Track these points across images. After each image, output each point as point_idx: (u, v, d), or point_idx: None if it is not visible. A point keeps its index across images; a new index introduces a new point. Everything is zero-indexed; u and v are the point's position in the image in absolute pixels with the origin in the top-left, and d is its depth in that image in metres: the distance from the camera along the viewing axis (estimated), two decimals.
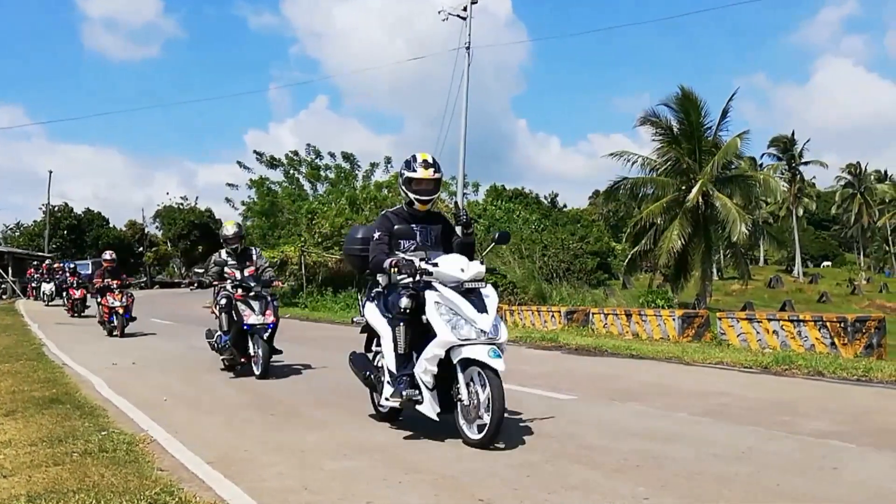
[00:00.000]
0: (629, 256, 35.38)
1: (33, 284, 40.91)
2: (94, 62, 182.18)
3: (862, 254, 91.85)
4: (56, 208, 71.98)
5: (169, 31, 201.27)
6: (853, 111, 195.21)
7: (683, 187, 32.50)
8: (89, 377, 10.52)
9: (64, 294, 28.61)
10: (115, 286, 17.79)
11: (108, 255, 19.38)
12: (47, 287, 34.82)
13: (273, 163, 43.03)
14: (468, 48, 28.52)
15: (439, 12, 28.68)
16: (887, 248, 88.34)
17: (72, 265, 29.81)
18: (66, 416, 7.32)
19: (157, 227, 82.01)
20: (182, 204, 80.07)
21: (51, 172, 79.01)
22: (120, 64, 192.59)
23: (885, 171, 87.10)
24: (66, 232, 71.99)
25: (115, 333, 17.39)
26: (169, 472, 5.20)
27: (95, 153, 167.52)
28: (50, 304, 33.47)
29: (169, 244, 79.58)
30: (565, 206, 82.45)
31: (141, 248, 78.24)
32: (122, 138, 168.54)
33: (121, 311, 17.46)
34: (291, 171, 42.95)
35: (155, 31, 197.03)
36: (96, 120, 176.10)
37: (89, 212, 76.87)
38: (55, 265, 39.80)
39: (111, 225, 78.38)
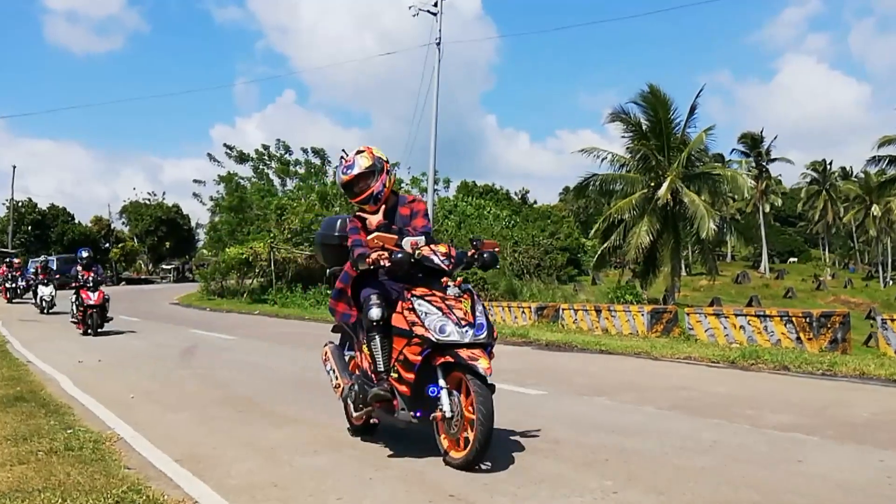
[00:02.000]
0: (599, 252, 35.53)
1: (8, 284, 33.75)
2: (57, 55, 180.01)
3: (827, 250, 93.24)
4: (20, 203, 70.89)
5: (132, 24, 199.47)
6: (816, 108, 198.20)
7: (653, 184, 32.70)
8: (54, 375, 10.39)
9: (74, 301, 18.15)
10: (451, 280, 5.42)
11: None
12: (46, 290, 25.72)
13: (242, 157, 42.73)
14: (439, 44, 28.48)
15: (409, 8, 28.60)
16: (852, 245, 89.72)
17: (84, 253, 18.75)
18: (30, 414, 7.21)
19: (123, 223, 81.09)
20: (149, 199, 79.26)
21: (14, 167, 77.72)
22: (83, 57, 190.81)
23: (850, 169, 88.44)
24: (30, 228, 70.86)
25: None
26: (136, 471, 5.14)
27: (59, 148, 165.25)
28: (50, 311, 25.27)
29: (136, 240, 78.70)
30: (535, 202, 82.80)
31: (107, 244, 77.29)
32: (86, 132, 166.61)
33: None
34: (261, 167, 42.70)
35: (118, 24, 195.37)
36: (59, 114, 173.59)
37: (54, 207, 75.70)
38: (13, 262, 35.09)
39: (76, 221, 77.26)
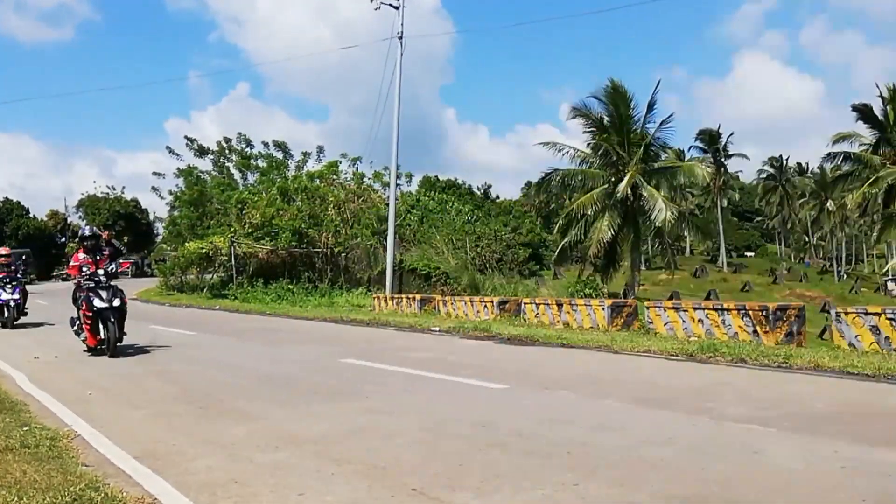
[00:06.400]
0: (560, 247, 35.71)
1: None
2: (4, 45, 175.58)
3: (783, 244, 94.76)
4: None
5: (83, 14, 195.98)
6: (772, 104, 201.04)
7: (613, 179, 32.96)
8: (10, 372, 10.23)
9: None
10: None
11: None
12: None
13: (202, 150, 42.25)
14: (401, 38, 28.37)
15: (371, 1, 28.43)
16: (807, 239, 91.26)
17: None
18: None
19: (80, 217, 79.78)
20: (108, 193, 78.07)
21: None
22: (32, 47, 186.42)
23: (806, 164, 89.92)
24: None
25: None
26: (94, 468, 5.08)
27: (8, 140, 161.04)
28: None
29: None
30: (497, 197, 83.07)
31: (63, 239, 75.97)
32: (36, 125, 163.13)
33: None
34: (221, 160, 42.24)
35: (68, 13, 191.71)
36: (8, 105, 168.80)
37: (8, 201, 74.29)
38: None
39: (31, 215, 75.87)
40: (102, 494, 4.37)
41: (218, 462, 5.22)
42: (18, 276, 18.85)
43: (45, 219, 77.45)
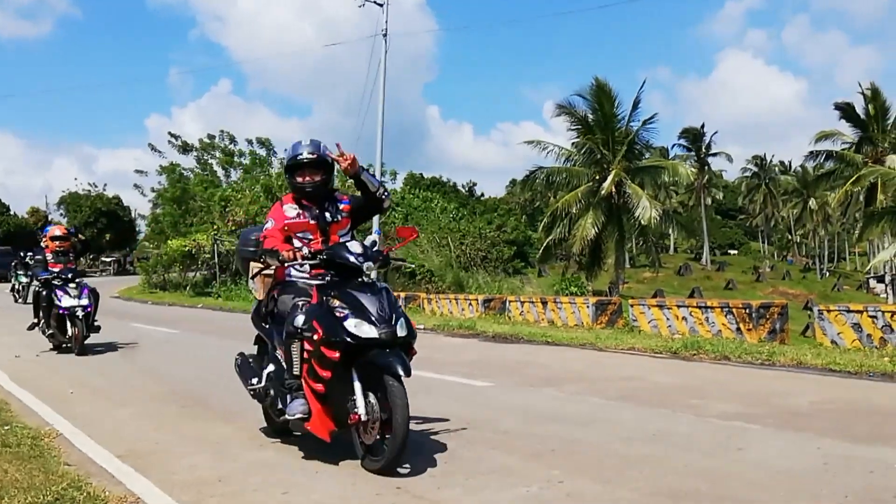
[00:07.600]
0: (544, 245, 35.76)
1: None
2: None
3: (766, 242, 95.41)
4: None
5: (61, 9, 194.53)
6: (755, 103, 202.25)
7: (597, 177, 33.05)
8: None
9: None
10: None
11: None
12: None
13: (186, 147, 42.08)
14: (385, 35, 28.33)
15: None
16: (790, 237, 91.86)
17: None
18: None
19: (61, 215, 79.13)
20: (89, 190, 77.58)
21: None
22: (9, 43, 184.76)
23: (789, 163, 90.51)
24: None
25: None
26: (76, 467, 5.03)
27: None
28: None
29: None
30: (482, 194, 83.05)
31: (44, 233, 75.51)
32: (14, 121, 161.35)
33: None
34: (204, 157, 42.08)
35: (46, 8, 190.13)
36: None
37: None
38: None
39: (12, 212, 75.27)
40: (85, 494, 4.33)
41: (203, 461, 5.19)
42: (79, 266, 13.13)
43: (26, 216, 76.75)
